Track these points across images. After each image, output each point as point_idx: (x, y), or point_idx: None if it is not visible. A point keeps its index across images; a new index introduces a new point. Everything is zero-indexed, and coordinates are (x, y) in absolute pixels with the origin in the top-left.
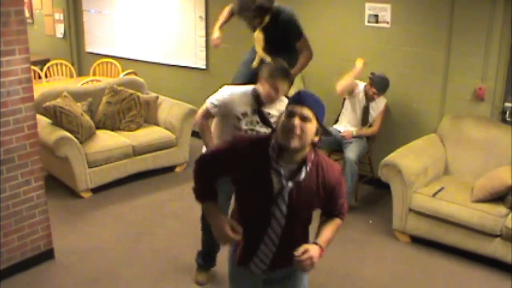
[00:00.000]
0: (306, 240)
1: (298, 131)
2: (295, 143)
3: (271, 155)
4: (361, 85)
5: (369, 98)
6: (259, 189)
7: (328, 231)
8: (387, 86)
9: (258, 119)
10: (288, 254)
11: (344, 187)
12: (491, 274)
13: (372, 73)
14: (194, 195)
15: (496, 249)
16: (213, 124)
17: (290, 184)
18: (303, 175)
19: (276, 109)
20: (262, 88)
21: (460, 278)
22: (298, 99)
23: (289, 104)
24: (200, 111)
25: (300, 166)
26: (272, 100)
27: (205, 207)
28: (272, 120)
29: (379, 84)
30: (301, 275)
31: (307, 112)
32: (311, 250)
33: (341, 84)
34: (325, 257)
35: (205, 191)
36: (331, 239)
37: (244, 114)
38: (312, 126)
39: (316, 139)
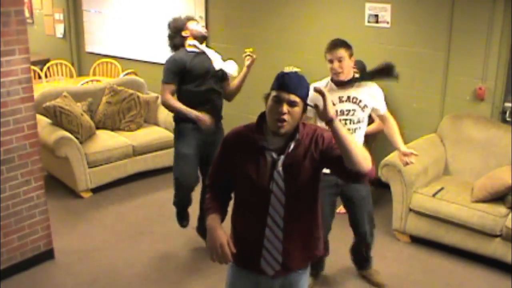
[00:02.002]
0: (312, 228)
1: (287, 117)
2: (285, 129)
3: (256, 135)
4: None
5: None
6: (252, 170)
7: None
8: (364, 67)
9: (347, 107)
10: (299, 248)
11: (331, 136)
12: (491, 274)
13: None
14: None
15: (496, 249)
16: None
17: (281, 156)
18: (292, 146)
19: (366, 94)
20: (329, 68)
21: (460, 278)
22: (284, 86)
23: (275, 88)
24: None
25: (288, 140)
26: (339, 75)
27: (209, 219)
28: (362, 104)
29: (360, 65)
30: (302, 284)
31: (294, 97)
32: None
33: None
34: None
35: (215, 203)
36: (346, 134)
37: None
38: (299, 109)
39: (304, 116)
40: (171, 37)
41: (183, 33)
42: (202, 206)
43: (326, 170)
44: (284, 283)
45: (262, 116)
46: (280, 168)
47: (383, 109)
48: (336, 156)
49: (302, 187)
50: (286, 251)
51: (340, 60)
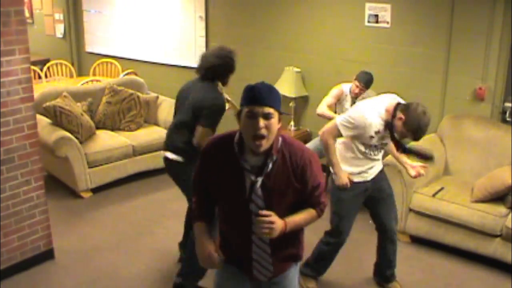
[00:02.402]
0: (298, 235)
1: (265, 132)
2: (264, 146)
3: (235, 151)
4: (346, 87)
5: (354, 96)
6: (233, 188)
7: (299, 215)
8: (371, 80)
9: (389, 133)
10: (286, 251)
11: (317, 172)
12: (491, 274)
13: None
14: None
15: (496, 249)
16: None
17: (259, 178)
18: (270, 166)
19: None
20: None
21: (460, 278)
22: (256, 99)
23: (246, 103)
24: (330, 129)
25: (266, 157)
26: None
27: (196, 227)
28: None
29: (362, 78)
30: (289, 283)
31: (268, 109)
32: (275, 218)
33: (322, 111)
34: None
35: (199, 211)
36: (298, 224)
37: (377, 132)
38: (275, 120)
39: (279, 126)
40: (219, 68)
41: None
42: (187, 225)
43: (356, 179)
44: (274, 280)
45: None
46: (258, 190)
47: None
48: (304, 190)
49: (284, 204)
50: (276, 260)
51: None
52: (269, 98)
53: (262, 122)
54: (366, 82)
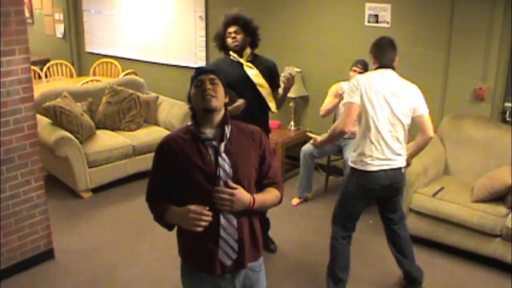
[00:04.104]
0: (263, 215)
1: (212, 92)
2: (214, 102)
3: (193, 129)
4: (345, 86)
5: None
6: (201, 161)
7: (267, 194)
8: (367, 63)
9: None
10: (249, 235)
11: (269, 146)
12: (491, 274)
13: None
14: (158, 221)
15: (496, 249)
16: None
17: (222, 143)
18: (228, 132)
19: None
20: None
21: (460, 278)
22: (203, 70)
23: (194, 77)
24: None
25: (222, 128)
26: None
27: (168, 216)
28: None
29: (361, 62)
30: (261, 283)
31: (213, 76)
32: (241, 190)
33: (324, 109)
34: (325, 256)
35: (161, 206)
36: (265, 202)
37: None
38: (221, 89)
39: (227, 100)
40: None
41: None
42: None
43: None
44: (245, 283)
45: (194, 115)
46: (223, 154)
47: None
48: (264, 167)
49: (249, 172)
50: (240, 238)
51: None
52: (212, 69)
53: (208, 84)
54: (365, 64)
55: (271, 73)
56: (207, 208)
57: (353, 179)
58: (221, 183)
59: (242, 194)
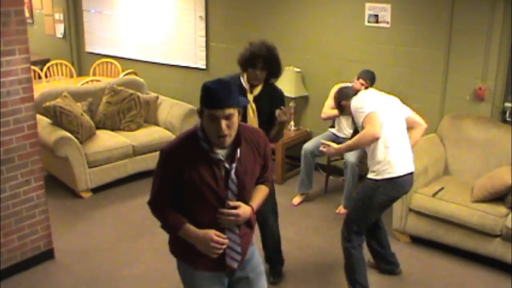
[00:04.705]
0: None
1: (227, 132)
2: (228, 142)
3: (205, 148)
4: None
5: (354, 94)
6: (212, 181)
7: (258, 196)
8: (374, 77)
9: None
10: (248, 232)
11: (270, 154)
12: (491, 274)
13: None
14: (168, 231)
15: (496, 249)
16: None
17: (233, 165)
18: (238, 153)
19: None
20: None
21: (460, 278)
22: (215, 103)
23: (206, 106)
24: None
25: (234, 147)
26: None
27: (183, 233)
28: None
29: (368, 76)
30: (256, 259)
31: (228, 111)
32: (242, 207)
33: (326, 114)
34: (325, 256)
35: (174, 220)
36: (260, 204)
37: None
38: (236, 117)
39: (240, 118)
40: None
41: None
42: None
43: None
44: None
45: (203, 127)
46: (233, 176)
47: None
48: (263, 169)
49: (252, 184)
50: (243, 240)
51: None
52: (228, 99)
53: (224, 124)
54: (372, 79)
55: (277, 103)
56: (225, 236)
57: (380, 191)
58: (227, 202)
59: (244, 211)
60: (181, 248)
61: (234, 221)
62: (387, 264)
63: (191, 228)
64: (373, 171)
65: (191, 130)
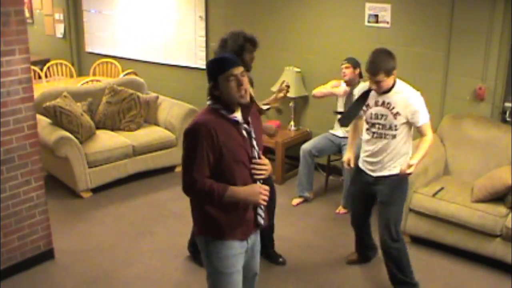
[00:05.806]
0: None
1: (247, 86)
2: (248, 98)
3: (226, 113)
4: (343, 84)
5: (349, 84)
6: (237, 145)
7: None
8: (357, 61)
9: (380, 112)
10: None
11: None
12: (491, 274)
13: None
14: (216, 201)
15: (496, 249)
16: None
17: (251, 126)
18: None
19: (401, 101)
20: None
21: (460, 278)
22: (231, 63)
23: (223, 70)
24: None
25: (245, 112)
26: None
27: (230, 194)
28: (394, 111)
29: (352, 61)
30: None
31: (241, 69)
32: (268, 161)
33: (320, 92)
34: (325, 255)
35: (219, 186)
36: None
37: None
38: (246, 79)
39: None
40: None
41: None
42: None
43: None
44: (252, 241)
45: (216, 100)
46: (254, 136)
47: (418, 122)
48: None
49: (262, 146)
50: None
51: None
52: (236, 60)
53: (245, 80)
54: (354, 63)
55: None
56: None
57: (407, 181)
58: (256, 155)
59: (269, 163)
60: (209, 225)
61: (266, 172)
62: (370, 250)
63: (235, 187)
64: (396, 166)
65: (206, 108)
